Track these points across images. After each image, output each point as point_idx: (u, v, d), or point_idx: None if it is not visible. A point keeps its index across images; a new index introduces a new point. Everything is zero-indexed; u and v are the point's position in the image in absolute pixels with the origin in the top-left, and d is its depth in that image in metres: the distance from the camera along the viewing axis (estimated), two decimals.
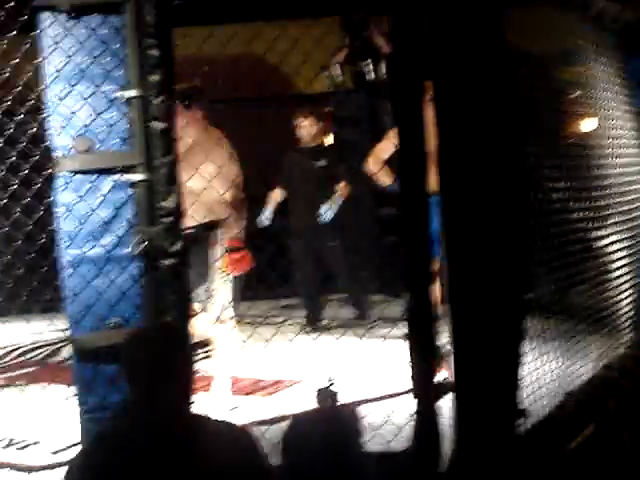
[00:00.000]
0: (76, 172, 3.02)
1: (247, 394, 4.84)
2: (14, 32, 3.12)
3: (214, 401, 4.52)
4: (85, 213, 3.03)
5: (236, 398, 4.63)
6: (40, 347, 6.38)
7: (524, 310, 3.20)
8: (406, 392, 3.21)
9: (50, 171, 3.07)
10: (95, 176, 3.03)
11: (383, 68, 7.29)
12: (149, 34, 2.93)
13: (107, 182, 3.03)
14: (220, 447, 2.21)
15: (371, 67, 7.49)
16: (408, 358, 3.13)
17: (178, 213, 3.02)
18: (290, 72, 8.16)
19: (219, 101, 6.87)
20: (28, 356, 6.22)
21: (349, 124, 7.70)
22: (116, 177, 3.02)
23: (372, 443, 3.19)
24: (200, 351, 5.64)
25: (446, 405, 3.10)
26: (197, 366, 2.47)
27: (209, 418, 2.40)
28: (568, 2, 3.89)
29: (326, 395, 2.51)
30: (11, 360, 6.11)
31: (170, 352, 2.37)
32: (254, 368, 5.21)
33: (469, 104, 3.04)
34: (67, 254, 3.05)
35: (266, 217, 6.60)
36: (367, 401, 4.29)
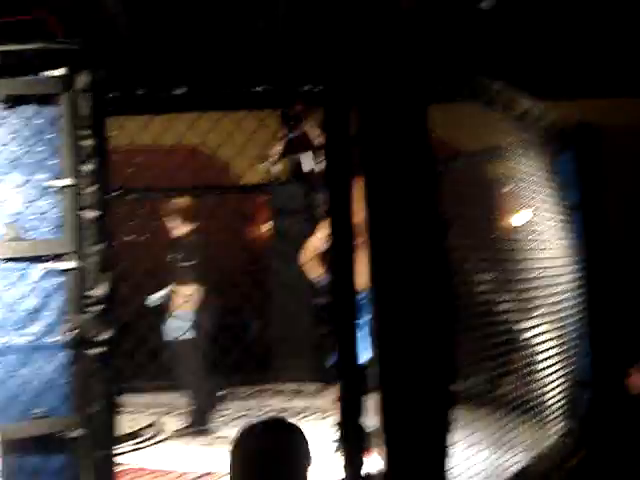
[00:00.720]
0: (6, 259, 3.01)
1: None
2: None
3: None
4: (14, 301, 3.02)
5: None
6: None
7: (450, 400, 3.23)
8: None
9: None
10: (25, 264, 3.02)
11: (318, 160, 7.46)
12: (83, 124, 2.98)
13: (37, 270, 3.03)
14: None
15: (308, 159, 7.65)
16: (339, 447, 3.14)
17: (108, 301, 3.02)
18: (226, 163, 8.30)
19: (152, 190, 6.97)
20: None
21: (286, 214, 7.80)
22: (47, 265, 3.02)
23: None
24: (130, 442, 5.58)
25: None
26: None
27: None
28: (492, 102, 4.05)
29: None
30: None
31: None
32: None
33: (398, 197, 3.13)
34: None
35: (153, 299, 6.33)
36: None
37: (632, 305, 6.98)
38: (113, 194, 3.00)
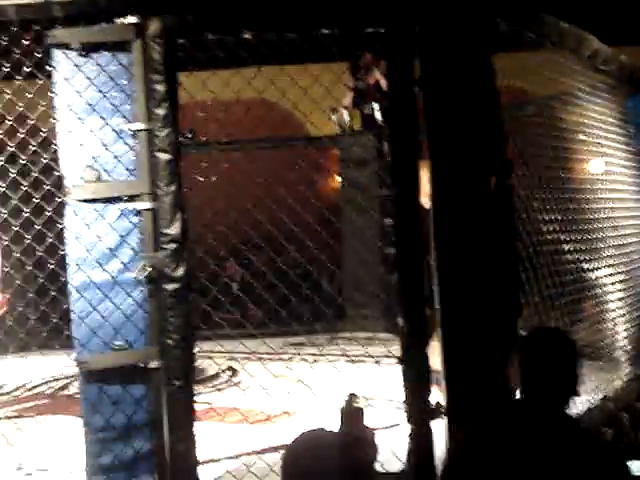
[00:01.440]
0: (84, 201, 3.17)
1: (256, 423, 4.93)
2: (29, 69, 3.29)
3: (227, 431, 4.61)
4: (93, 240, 3.18)
5: (248, 428, 4.72)
6: (50, 381, 6.51)
7: (513, 338, 3.29)
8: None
9: (61, 200, 3.22)
10: (102, 205, 3.18)
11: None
12: (156, 70, 3.10)
13: (114, 210, 3.18)
14: None
15: (377, 109, 7.67)
16: (402, 382, 3.24)
17: (182, 240, 3.16)
18: (300, 116, 8.37)
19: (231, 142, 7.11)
20: (38, 390, 6.34)
21: (357, 165, 7.85)
22: (122, 206, 3.18)
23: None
24: (210, 384, 5.79)
25: (439, 427, 3.19)
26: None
27: None
28: (561, 41, 4.04)
29: (352, 411, 2.33)
30: (22, 393, 6.23)
31: None
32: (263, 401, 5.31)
33: (461, 141, 3.17)
34: (75, 279, 3.18)
35: None
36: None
37: None
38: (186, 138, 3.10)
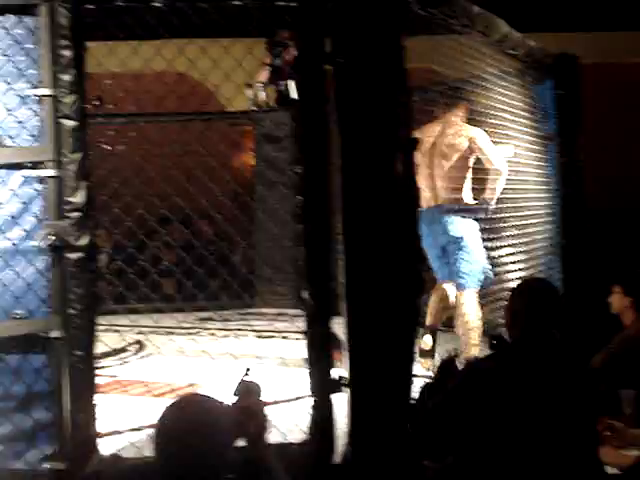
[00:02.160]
0: None
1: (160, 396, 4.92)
2: None
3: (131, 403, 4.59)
4: None
5: (152, 400, 4.72)
6: None
7: (416, 314, 3.37)
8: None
9: None
10: (5, 171, 3.12)
11: None
12: (62, 35, 3.05)
13: (17, 177, 3.13)
14: None
15: (292, 86, 7.66)
16: (306, 356, 3.28)
17: (86, 209, 3.12)
18: (212, 90, 8.32)
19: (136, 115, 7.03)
20: None
21: (271, 142, 7.84)
22: (26, 172, 3.12)
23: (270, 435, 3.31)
24: (116, 357, 5.75)
25: (342, 400, 3.25)
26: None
27: None
28: (471, 24, 4.11)
29: (248, 387, 2.40)
30: None
31: None
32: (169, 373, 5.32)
33: (369, 120, 3.21)
34: None
35: None
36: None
37: (605, 232, 7.12)
38: (92, 104, 3.06)
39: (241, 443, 2.17)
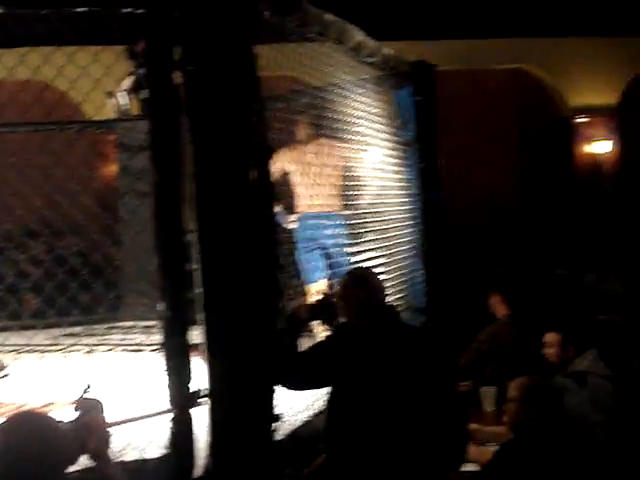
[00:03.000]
0: None
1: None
2: None
3: None
4: None
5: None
6: None
7: (274, 323, 3.36)
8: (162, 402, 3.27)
9: None
10: None
11: None
12: None
13: None
14: None
15: None
16: (164, 366, 3.22)
17: None
18: (79, 99, 8.14)
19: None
20: None
21: (134, 151, 7.70)
22: None
23: (126, 452, 3.24)
24: None
25: (202, 411, 3.20)
26: None
27: None
28: (325, 32, 4.13)
29: (87, 404, 2.35)
30: None
31: None
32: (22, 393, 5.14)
33: (221, 130, 3.19)
34: None
35: None
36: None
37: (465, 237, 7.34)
38: None
39: (86, 461, 2.11)
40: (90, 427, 2.11)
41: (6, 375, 5.94)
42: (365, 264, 4.74)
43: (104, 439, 2.15)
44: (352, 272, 3.70)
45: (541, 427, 3.54)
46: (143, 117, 7.35)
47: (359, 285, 3.40)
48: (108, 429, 2.17)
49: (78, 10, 3.06)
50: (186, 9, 3.10)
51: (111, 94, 7.64)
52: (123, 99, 7.86)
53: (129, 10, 3.08)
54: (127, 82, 7.90)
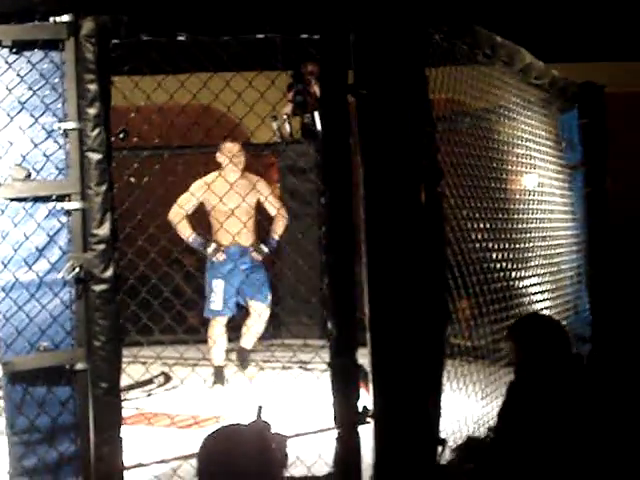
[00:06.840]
0: (13, 199, 3.13)
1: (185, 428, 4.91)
2: None
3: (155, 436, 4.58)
4: (20, 239, 3.14)
5: (177, 432, 4.71)
6: None
7: (442, 346, 3.34)
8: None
9: None
10: (31, 203, 3.14)
11: None
12: (88, 69, 3.09)
13: (43, 210, 3.15)
14: None
15: (316, 118, 7.70)
16: (331, 387, 3.26)
17: (111, 240, 3.14)
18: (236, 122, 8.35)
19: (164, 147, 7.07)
20: None
21: (295, 173, 7.86)
22: (51, 205, 3.14)
23: (294, 468, 3.29)
24: (141, 390, 5.76)
25: (367, 432, 3.21)
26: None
27: None
28: (494, 54, 4.11)
29: (259, 425, 2.40)
30: None
31: None
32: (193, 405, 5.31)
33: (393, 150, 3.21)
34: (0, 279, 3.14)
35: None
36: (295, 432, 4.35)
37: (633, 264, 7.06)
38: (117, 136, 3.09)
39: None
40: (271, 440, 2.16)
41: (170, 387, 6.17)
42: (531, 289, 4.65)
43: (284, 458, 2.19)
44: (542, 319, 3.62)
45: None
46: (310, 140, 7.52)
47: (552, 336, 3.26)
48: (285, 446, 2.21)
49: (258, 36, 3.15)
50: (361, 33, 3.15)
51: (275, 117, 7.83)
52: (286, 123, 8.05)
53: (305, 36, 3.14)
54: (289, 106, 8.11)
